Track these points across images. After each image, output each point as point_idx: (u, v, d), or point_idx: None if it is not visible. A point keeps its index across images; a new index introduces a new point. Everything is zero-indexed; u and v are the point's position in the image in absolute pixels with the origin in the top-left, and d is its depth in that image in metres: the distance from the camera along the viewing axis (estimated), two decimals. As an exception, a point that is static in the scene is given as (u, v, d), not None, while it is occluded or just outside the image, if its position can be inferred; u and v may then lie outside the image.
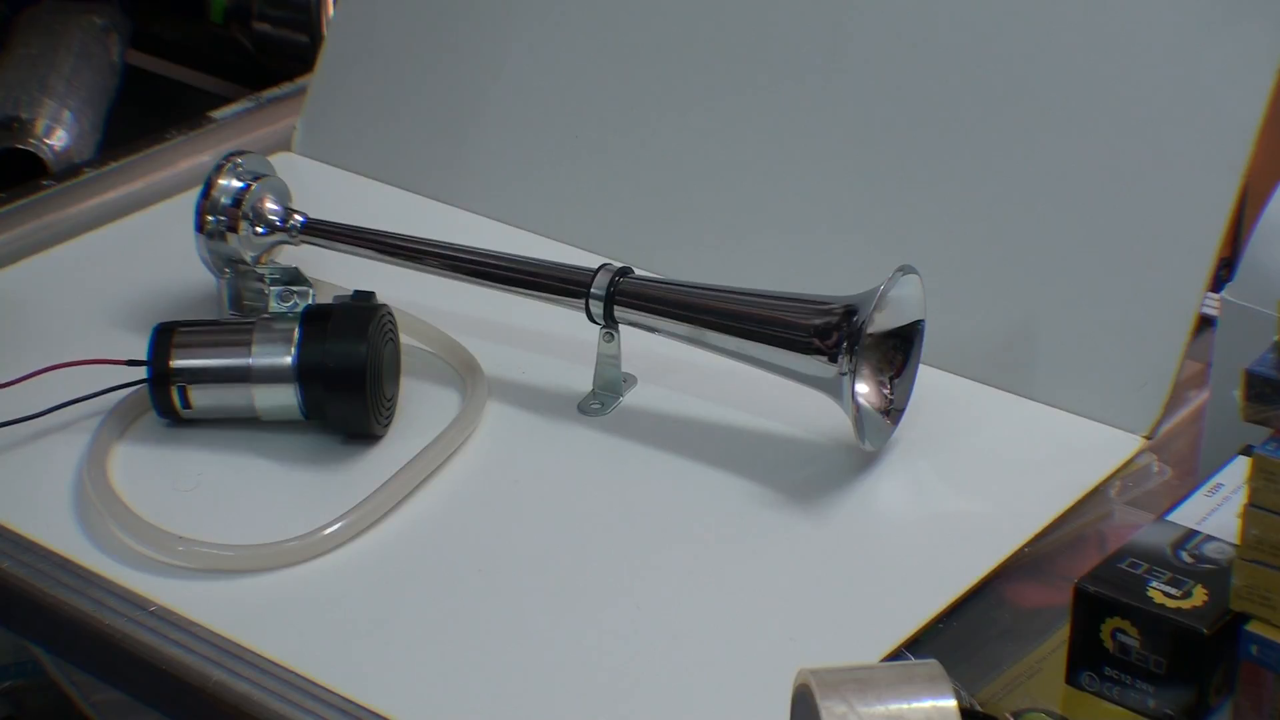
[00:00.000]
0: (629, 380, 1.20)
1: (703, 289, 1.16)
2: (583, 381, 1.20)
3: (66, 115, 1.53)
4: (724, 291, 1.15)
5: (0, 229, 1.36)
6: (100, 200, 1.40)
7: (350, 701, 0.98)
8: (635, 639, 1.02)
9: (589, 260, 1.20)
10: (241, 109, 1.50)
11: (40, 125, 1.51)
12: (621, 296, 1.17)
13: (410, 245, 1.24)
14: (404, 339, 1.19)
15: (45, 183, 1.41)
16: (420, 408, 1.18)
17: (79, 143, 1.52)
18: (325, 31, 1.55)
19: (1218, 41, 1.17)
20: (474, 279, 1.22)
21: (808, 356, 1.11)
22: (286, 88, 1.53)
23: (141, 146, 1.44)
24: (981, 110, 1.23)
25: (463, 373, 1.20)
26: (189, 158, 1.44)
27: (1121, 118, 1.19)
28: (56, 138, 1.51)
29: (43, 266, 1.33)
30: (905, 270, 1.11)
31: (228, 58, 1.70)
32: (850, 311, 1.10)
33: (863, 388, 1.12)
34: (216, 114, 1.49)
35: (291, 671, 1.00)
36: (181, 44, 1.74)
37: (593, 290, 1.17)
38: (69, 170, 1.44)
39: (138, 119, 1.59)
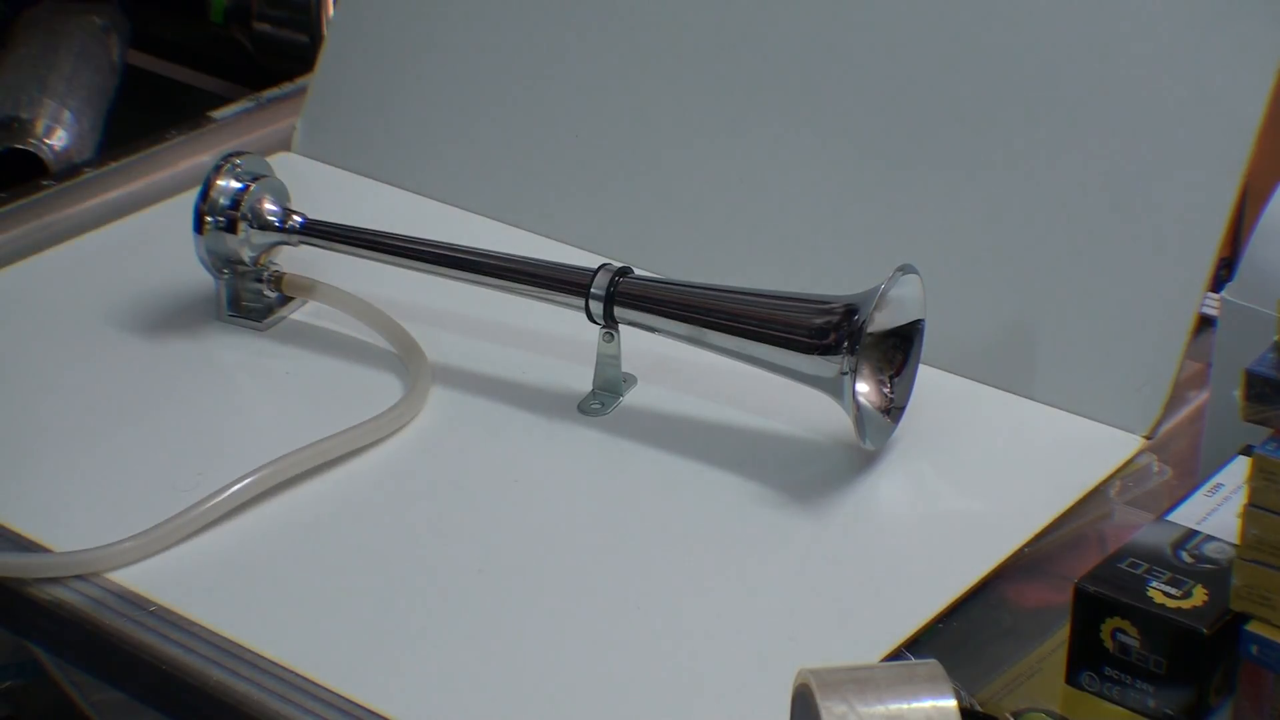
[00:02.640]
0: (629, 380, 1.20)
1: (703, 289, 1.16)
2: (583, 381, 1.20)
3: (66, 115, 1.53)
4: (724, 291, 1.15)
5: (0, 229, 1.36)
6: (100, 200, 1.40)
7: (350, 701, 0.98)
8: (635, 638, 1.02)
9: (589, 260, 1.20)
10: (241, 109, 1.50)
11: (40, 125, 1.51)
12: (621, 296, 1.17)
13: (408, 245, 1.24)
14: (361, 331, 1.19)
15: (45, 183, 1.41)
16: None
17: (79, 143, 1.52)
18: (325, 31, 1.55)
19: (1218, 41, 1.17)
20: (472, 279, 1.22)
21: (808, 356, 1.11)
22: (286, 88, 1.52)
23: (141, 146, 1.44)
24: (982, 110, 1.23)
25: (407, 361, 1.20)
26: (189, 158, 1.44)
27: (1121, 117, 1.19)
28: (56, 138, 1.51)
29: (43, 266, 1.33)
30: (905, 269, 1.11)
31: (228, 58, 1.70)
32: (851, 311, 1.10)
33: (863, 387, 1.12)
34: (216, 114, 1.49)
35: (291, 671, 0.99)
36: (181, 44, 1.74)
37: (592, 290, 1.17)
38: (69, 170, 1.44)
39: (138, 119, 1.59)
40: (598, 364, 1.19)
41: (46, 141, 1.50)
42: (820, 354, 1.11)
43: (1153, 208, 1.18)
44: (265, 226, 1.24)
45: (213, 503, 1.08)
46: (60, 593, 1.05)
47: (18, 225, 1.36)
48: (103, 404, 1.19)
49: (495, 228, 1.35)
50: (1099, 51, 1.20)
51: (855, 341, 1.09)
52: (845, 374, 1.10)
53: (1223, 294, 1.09)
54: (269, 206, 1.24)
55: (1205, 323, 1.16)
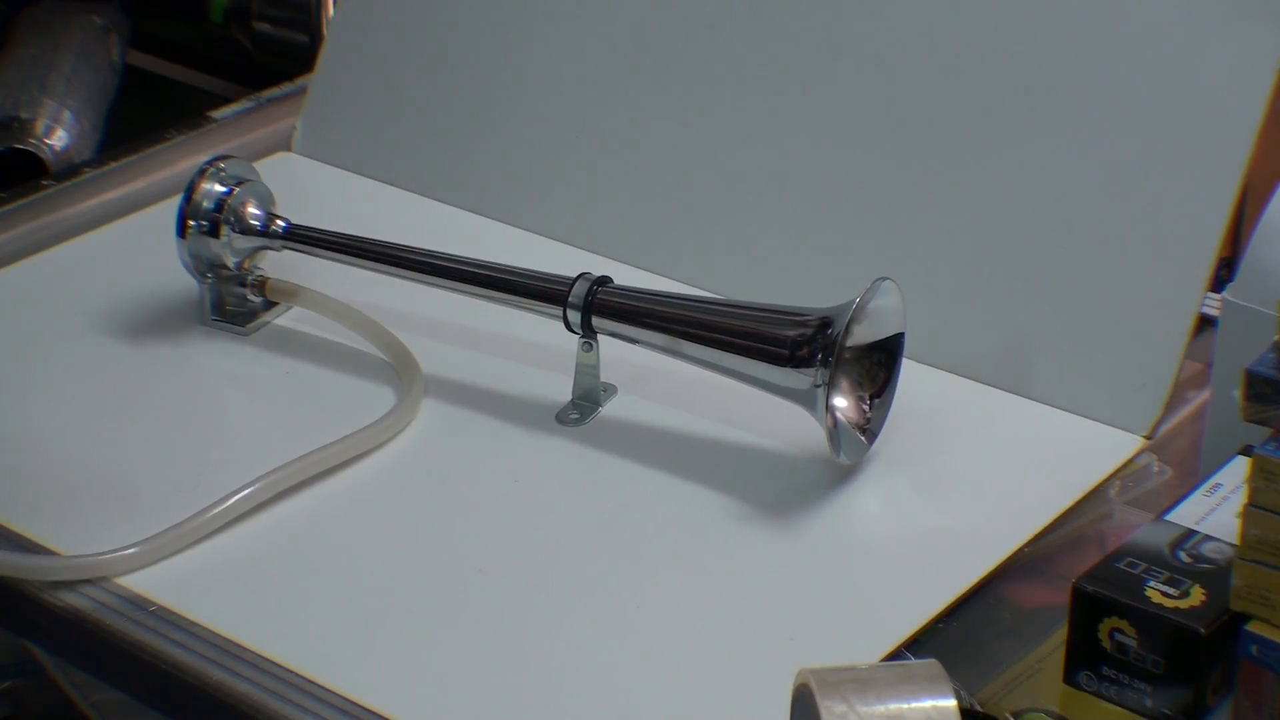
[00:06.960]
0: (608, 390, 1.19)
1: (681, 300, 1.16)
2: (563, 391, 1.19)
3: (66, 115, 1.53)
4: (702, 303, 1.15)
5: (0, 229, 1.36)
6: (100, 200, 1.40)
7: (350, 701, 0.98)
8: (634, 639, 1.02)
9: (587, 259, 1.20)
10: (241, 109, 1.50)
11: (40, 125, 1.51)
12: (599, 307, 1.15)
13: (389, 251, 1.23)
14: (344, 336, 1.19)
15: (45, 183, 1.41)
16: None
17: (79, 143, 1.52)
18: (325, 31, 1.55)
19: (1218, 41, 1.17)
20: (452, 286, 1.21)
21: (781, 368, 1.11)
22: (286, 88, 1.52)
23: (141, 146, 1.44)
24: (981, 109, 1.23)
25: (397, 366, 1.20)
26: (189, 158, 1.43)
27: (1121, 118, 1.19)
28: (56, 138, 1.51)
29: (43, 266, 1.33)
30: (882, 280, 1.10)
31: (228, 58, 1.70)
32: (825, 324, 1.10)
33: (841, 401, 1.11)
34: (216, 114, 1.49)
35: (291, 671, 1.00)
36: (181, 44, 1.74)
37: (570, 300, 1.16)
38: (69, 170, 1.44)
39: (138, 119, 1.59)
40: (576, 373, 1.18)
41: (46, 141, 1.50)
42: (794, 366, 1.10)
43: (1153, 208, 1.18)
44: (248, 231, 1.24)
45: (219, 509, 1.08)
46: (69, 597, 1.04)
47: (18, 225, 1.37)
48: (93, 405, 1.19)
49: (494, 227, 1.35)
50: (1100, 52, 1.20)
51: (829, 354, 1.09)
52: (819, 387, 1.09)
53: (1223, 294, 1.09)
54: (252, 210, 1.24)
55: (1205, 323, 1.16)
